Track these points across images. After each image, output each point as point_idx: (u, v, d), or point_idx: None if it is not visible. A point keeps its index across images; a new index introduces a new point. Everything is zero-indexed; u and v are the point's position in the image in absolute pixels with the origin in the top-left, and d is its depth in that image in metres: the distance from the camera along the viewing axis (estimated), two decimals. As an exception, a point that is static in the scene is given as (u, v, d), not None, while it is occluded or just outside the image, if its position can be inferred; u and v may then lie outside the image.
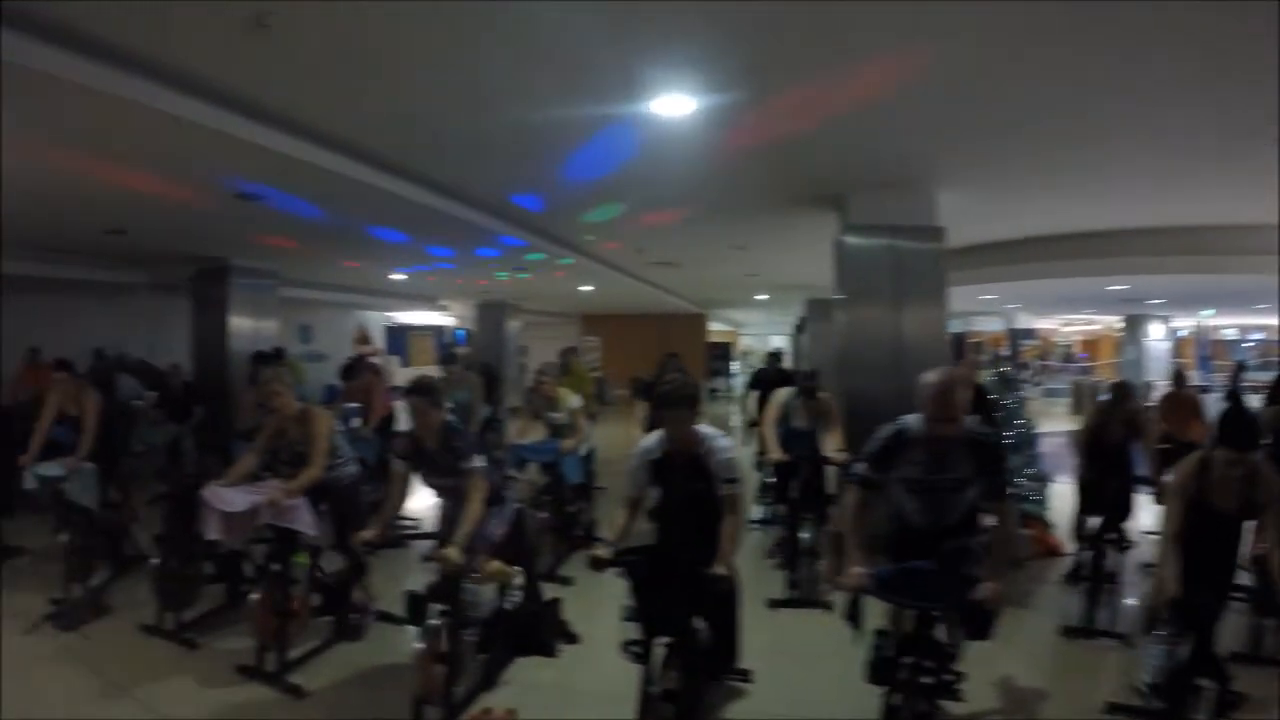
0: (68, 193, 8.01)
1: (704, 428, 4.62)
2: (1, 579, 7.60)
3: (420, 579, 5.37)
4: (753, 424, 11.73)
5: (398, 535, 5.33)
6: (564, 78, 5.41)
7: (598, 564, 4.40)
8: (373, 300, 20.55)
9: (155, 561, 6.51)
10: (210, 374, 13.04)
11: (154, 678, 5.72)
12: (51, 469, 7.12)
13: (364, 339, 22.67)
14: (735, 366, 39.57)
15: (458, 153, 7.24)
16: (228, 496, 5.57)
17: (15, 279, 12.13)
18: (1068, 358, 41.71)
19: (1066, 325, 38.72)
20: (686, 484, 4.60)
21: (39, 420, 7.54)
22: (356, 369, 10.35)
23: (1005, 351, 30.22)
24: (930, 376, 4.24)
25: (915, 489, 4.47)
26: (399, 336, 25.51)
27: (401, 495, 5.48)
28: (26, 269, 11.96)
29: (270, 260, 13.41)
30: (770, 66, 5.27)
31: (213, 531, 5.57)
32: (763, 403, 11.39)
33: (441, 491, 5.49)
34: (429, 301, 22.65)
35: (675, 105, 5.83)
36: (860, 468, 4.52)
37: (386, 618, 6.56)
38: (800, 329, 26.26)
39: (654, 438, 4.68)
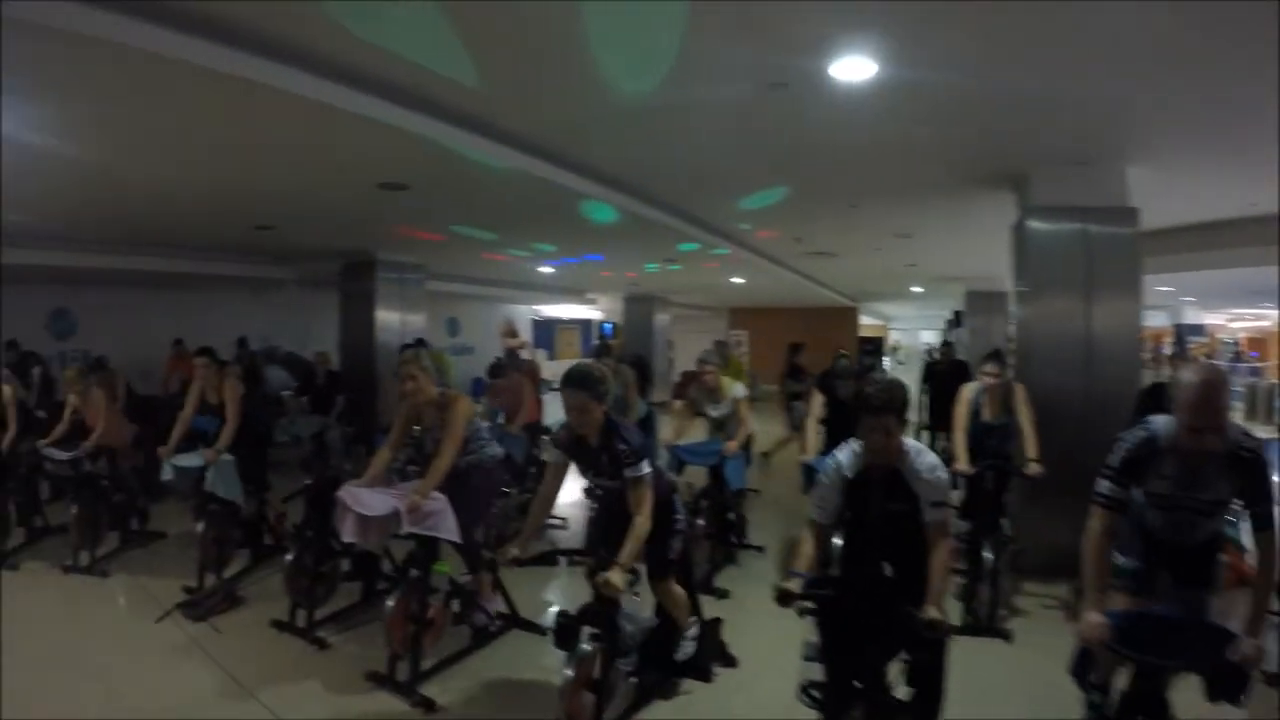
0: (219, 189, 8.05)
1: (908, 440, 3.88)
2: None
3: (564, 584, 4.88)
4: (925, 427, 11.04)
5: (549, 553, 4.69)
6: (732, 37, 4.74)
7: (785, 598, 3.66)
8: (519, 294, 20.42)
9: (290, 557, 6.22)
10: (357, 367, 13.13)
11: (280, 677, 5.44)
12: (190, 460, 7.01)
13: (511, 332, 22.44)
14: (887, 362, 38.19)
15: (609, 133, 6.72)
16: (365, 498, 5.13)
17: (164, 275, 12.64)
18: (1237, 356, 38.36)
19: (1233, 320, 35.48)
20: (886, 507, 3.87)
21: (184, 409, 7.48)
22: (506, 366, 9.88)
23: (1169, 350, 27.90)
24: (1191, 375, 3.41)
25: (1161, 506, 3.76)
26: (546, 330, 25.43)
27: (553, 492, 4.83)
28: (178, 266, 12.34)
29: (417, 254, 13.41)
30: (955, 25, 4.54)
31: (349, 534, 5.12)
32: (936, 401, 10.71)
33: (599, 495, 4.92)
34: (577, 295, 22.41)
35: (855, 69, 5.08)
36: (1105, 486, 3.67)
37: (525, 626, 6.14)
38: (956, 323, 24.90)
39: (847, 451, 3.98)
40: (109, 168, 7.05)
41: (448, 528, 5.20)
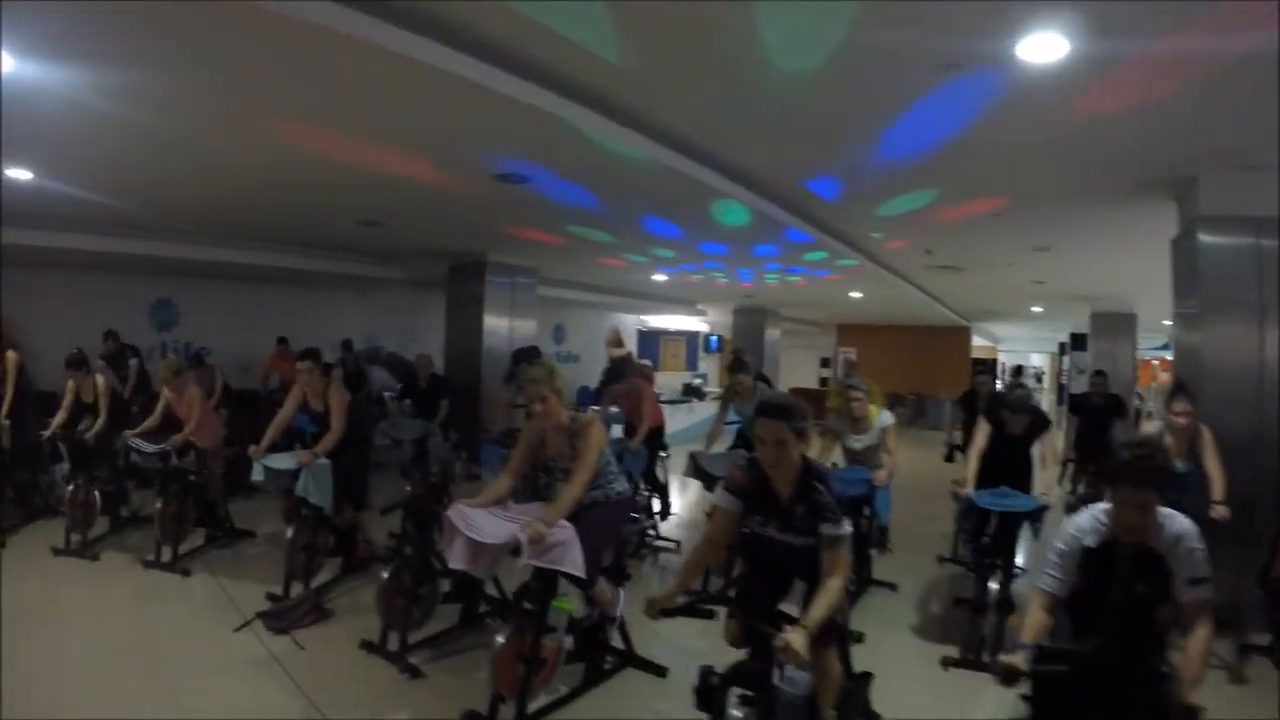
0: (324, 179, 7.64)
1: (1165, 510, 3.27)
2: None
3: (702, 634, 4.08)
4: (1069, 461, 9.97)
5: (700, 605, 3.86)
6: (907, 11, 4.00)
7: (1011, 675, 3.02)
8: (626, 302, 19.72)
9: (385, 574, 5.57)
10: (462, 372, 12.64)
11: (364, 705, 4.88)
12: (283, 461, 6.49)
13: (617, 341, 21.95)
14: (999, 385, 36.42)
15: (753, 127, 6.02)
16: (480, 522, 4.46)
17: (270, 270, 12.40)
18: None
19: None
20: (1134, 583, 3.28)
21: (281, 409, 7.04)
22: (623, 370, 9.16)
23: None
24: None
25: None
26: (651, 341, 24.75)
27: (721, 543, 4.07)
28: (285, 261, 12.09)
29: (528, 256, 12.86)
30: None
31: (457, 560, 4.42)
32: (1083, 438, 9.69)
33: (771, 550, 3.92)
34: (686, 305, 21.65)
35: (1044, 48, 4.31)
36: None
37: (642, 665, 5.40)
38: (1075, 345, 23.29)
39: (1088, 516, 3.43)
40: (217, 153, 6.71)
41: (573, 561, 4.42)
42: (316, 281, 14.33)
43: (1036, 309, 20.78)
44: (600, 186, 7.81)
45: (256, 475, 6.51)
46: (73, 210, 8.95)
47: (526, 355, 9.30)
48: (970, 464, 6.57)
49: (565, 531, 4.40)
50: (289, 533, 6.41)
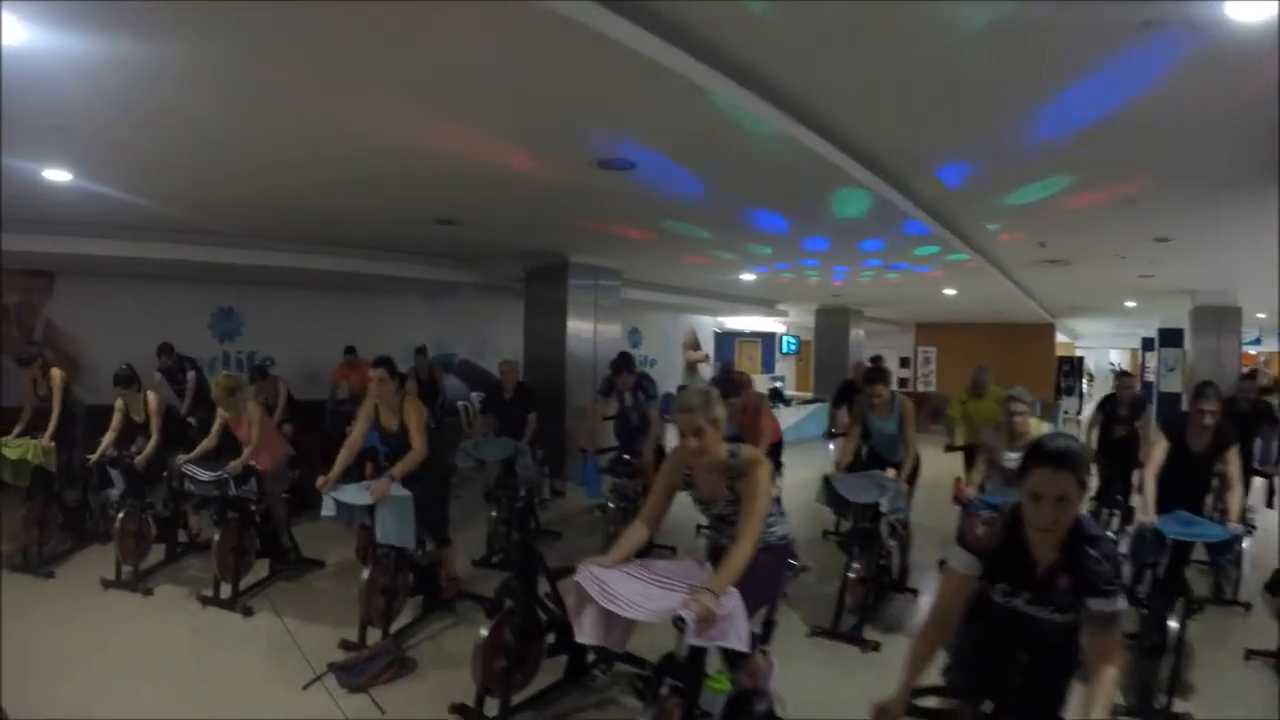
0: (401, 173, 7.00)
1: None
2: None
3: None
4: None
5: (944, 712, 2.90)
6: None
7: None
8: (702, 302, 18.68)
9: (485, 632, 4.61)
10: (545, 380, 11.72)
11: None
12: (356, 495, 5.65)
13: (693, 344, 21.11)
14: (1086, 385, 34.90)
15: (895, 90, 5.08)
16: (621, 589, 3.48)
17: (334, 276, 11.85)
18: None
19: None
20: None
21: (352, 428, 6.24)
22: (735, 382, 8.15)
23: None
24: None
25: None
26: (725, 342, 23.83)
27: (954, 612, 3.12)
28: (351, 266, 11.43)
29: (610, 257, 12.02)
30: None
31: (588, 634, 3.49)
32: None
33: (1018, 627, 3.05)
34: (765, 305, 20.60)
35: (1256, 7, 3.67)
36: None
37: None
38: (1166, 340, 21.63)
39: None
40: (280, 147, 6.18)
41: (737, 634, 3.40)
42: (383, 287, 13.76)
43: (1130, 304, 19.61)
44: (712, 173, 7.02)
45: (327, 510, 5.67)
46: (126, 216, 8.46)
47: (625, 363, 8.29)
48: (1146, 487, 5.62)
49: (731, 600, 3.39)
50: (364, 573, 5.56)
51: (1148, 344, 27.78)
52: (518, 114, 5.33)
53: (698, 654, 3.53)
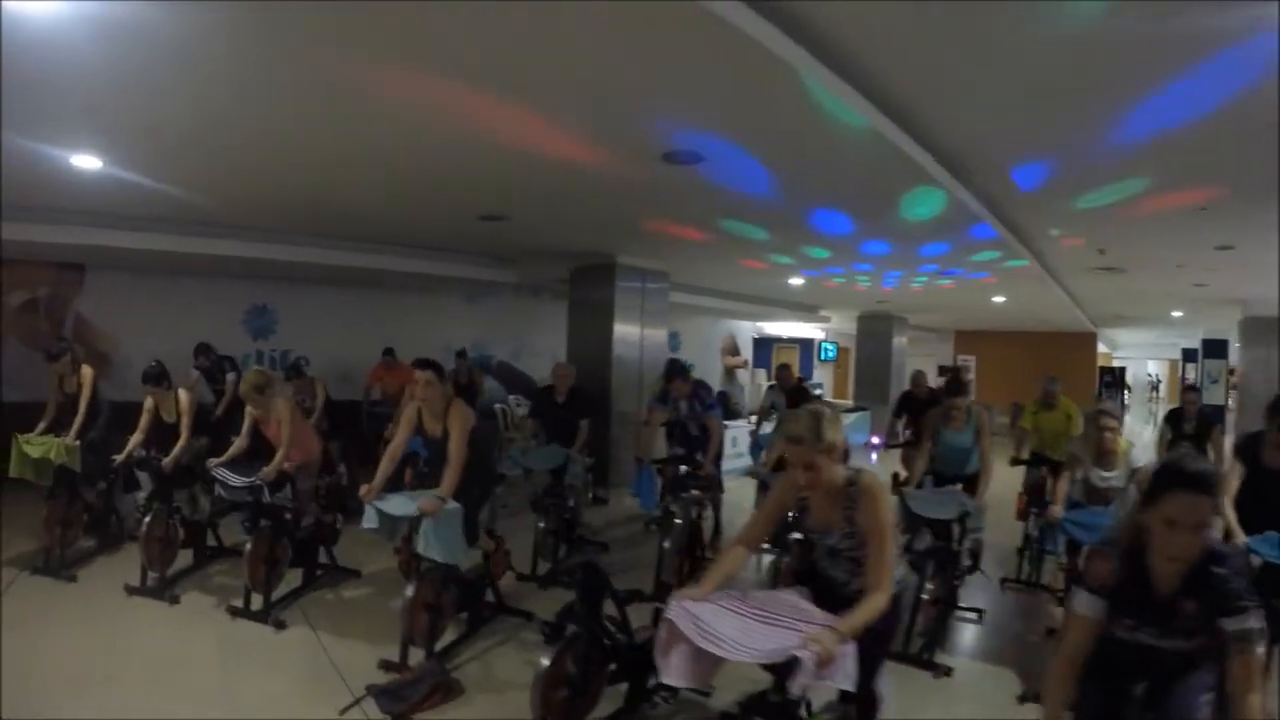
0: (449, 164, 6.61)
1: None
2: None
3: None
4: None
5: None
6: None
7: None
8: (741, 307, 18.12)
9: (546, 661, 4.16)
10: (590, 384, 11.02)
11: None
12: (402, 506, 5.19)
13: (733, 350, 20.65)
14: (1127, 396, 34.10)
15: (990, 82, 4.71)
16: (721, 628, 3.03)
17: (370, 273, 11.53)
18: None
19: None
20: None
21: (392, 433, 5.91)
22: (801, 390, 7.66)
23: None
24: None
25: None
26: (763, 348, 23.35)
27: (1080, 659, 2.82)
28: (389, 264, 11.07)
29: (657, 259, 11.58)
30: None
31: (676, 675, 3.06)
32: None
33: (1145, 662, 2.80)
34: (807, 311, 20.01)
35: None
36: None
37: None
38: (1210, 351, 20.85)
39: None
40: (318, 135, 5.84)
41: (846, 673, 2.93)
42: (421, 286, 13.44)
43: (1176, 313, 19.10)
44: (786, 167, 6.58)
45: (369, 522, 5.23)
46: (159, 208, 8.24)
47: (679, 370, 7.81)
48: (1227, 513, 5.16)
49: (847, 643, 2.94)
50: (408, 589, 5.11)
51: (1188, 355, 27.14)
52: (585, 100, 4.96)
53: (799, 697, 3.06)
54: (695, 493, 7.26)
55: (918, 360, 21.43)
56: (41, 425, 7.28)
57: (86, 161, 6.37)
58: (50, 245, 9.06)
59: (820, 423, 3.26)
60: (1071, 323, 20.90)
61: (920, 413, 8.63)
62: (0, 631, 5.32)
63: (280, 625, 5.84)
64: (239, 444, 6.58)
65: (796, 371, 23.80)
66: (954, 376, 7.44)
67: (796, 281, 14.30)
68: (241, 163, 6.59)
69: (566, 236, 9.98)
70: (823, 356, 26.62)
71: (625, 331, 11.50)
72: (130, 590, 6.41)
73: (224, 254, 9.61)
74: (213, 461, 6.45)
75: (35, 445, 7.04)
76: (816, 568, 3.53)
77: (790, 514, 3.97)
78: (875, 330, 20.90)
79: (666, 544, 6.54)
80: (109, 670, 5.00)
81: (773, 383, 10.19)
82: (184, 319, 11.51)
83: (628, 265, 11.41)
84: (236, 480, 6.25)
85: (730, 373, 20.88)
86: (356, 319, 13.47)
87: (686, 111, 5.16)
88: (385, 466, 5.42)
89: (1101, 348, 32.97)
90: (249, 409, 6.59)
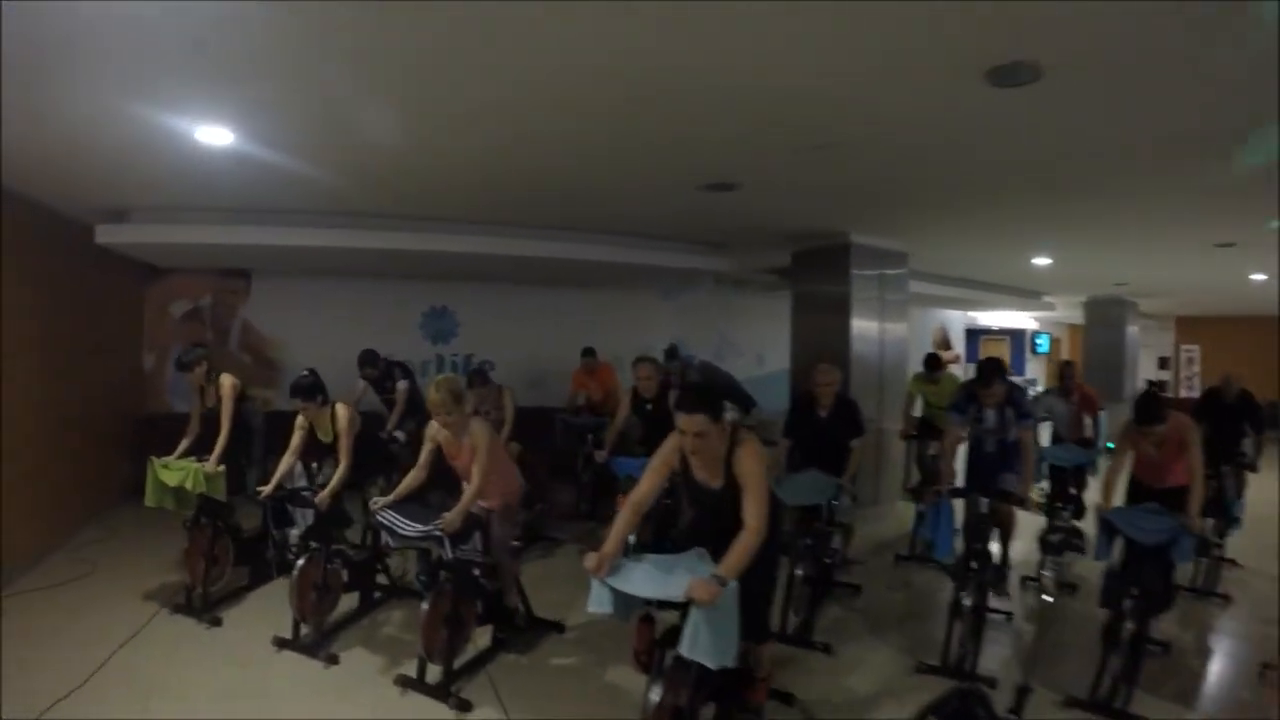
0: (681, 116, 4.92)
1: None
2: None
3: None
4: None
5: None
6: None
7: None
8: (951, 292, 15.53)
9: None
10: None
11: None
12: (655, 584, 3.38)
13: (944, 343, 18.44)
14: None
15: None
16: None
17: (557, 265, 9.90)
18: None
19: None
20: None
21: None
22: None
23: None
24: None
25: None
26: (973, 340, 21.01)
27: None
28: (583, 253, 9.38)
29: (895, 237, 9.55)
30: None
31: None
32: None
33: None
34: (1028, 297, 17.31)
35: None
36: None
37: None
38: None
39: None
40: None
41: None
42: (614, 281, 12.01)
43: None
44: (1171, 86, 4.42)
45: (599, 605, 3.42)
46: (317, 200, 7.20)
47: (998, 369, 5.83)
48: None
49: None
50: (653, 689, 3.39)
51: None
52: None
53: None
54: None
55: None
56: (183, 445, 6.16)
57: (217, 134, 5.11)
58: (208, 246, 8.18)
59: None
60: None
61: (1232, 422, 7.41)
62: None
63: (465, 706, 4.39)
64: (414, 475, 5.07)
65: (1008, 365, 21.46)
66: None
67: (1041, 261, 11.87)
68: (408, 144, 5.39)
69: (799, 207, 8.02)
70: (1036, 349, 23.87)
71: (863, 327, 9.45)
72: (280, 643, 5.16)
73: (395, 248, 8.38)
74: (378, 501, 4.95)
75: (173, 470, 5.87)
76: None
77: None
78: (1106, 317, 18.02)
79: (967, 598, 4.83)
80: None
81: (1051, 387, 8.19)
82: (358, 323, 10.55)
83: (864, 246, 9.41)
84: (410, 528, 4.73)
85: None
86: (543, 319, 12.12)
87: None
88: (623, 526, 3.67)
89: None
90: (430, 431, 5.07)
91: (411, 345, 11.18)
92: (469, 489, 4.77)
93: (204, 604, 5.74)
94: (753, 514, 3.48)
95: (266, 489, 5.57)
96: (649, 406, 6.86)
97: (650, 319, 12.98)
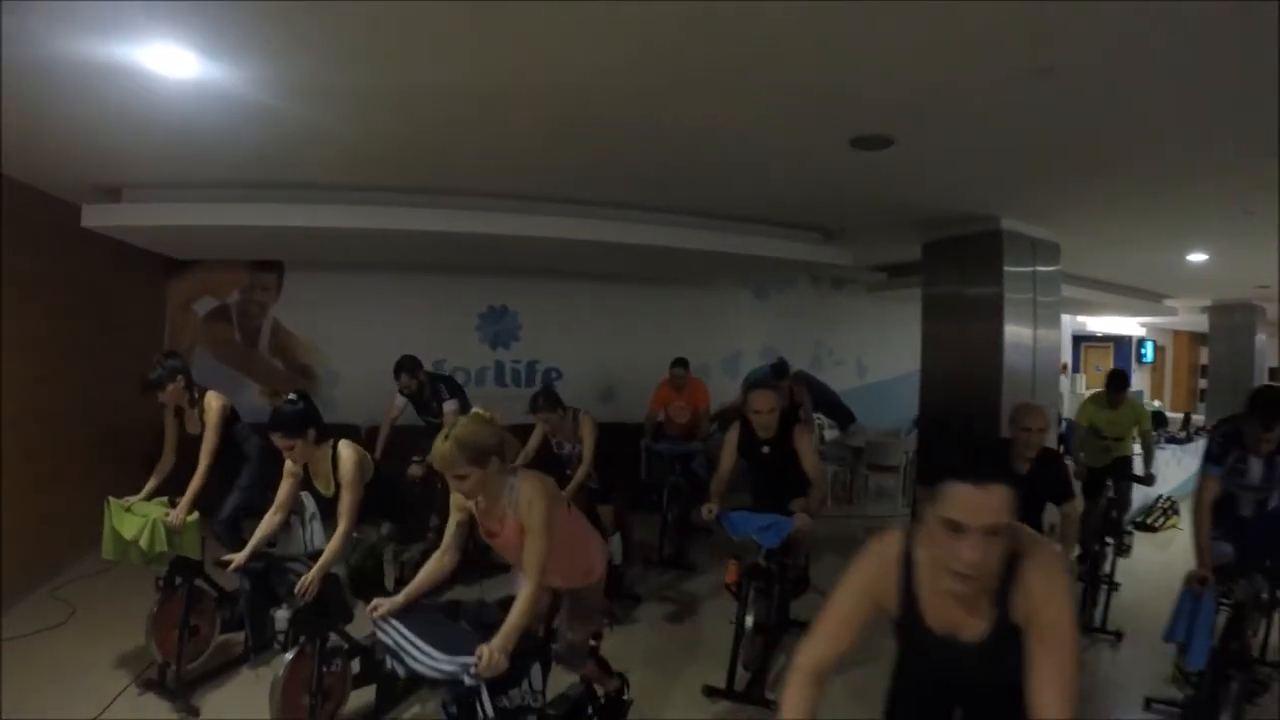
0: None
1: None
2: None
3: None
4: None
5: None
6: None
7: None
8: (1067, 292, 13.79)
9: None
10: (963, 408, 7.52)
11: None
12: None
13: (1053, 351, 16.69)
14: None
15: None
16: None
17: (644, 254, 8.17)
18: None
19: None
20: None
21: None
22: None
23: None
24: None
25: None
26: (1076, 347, 19.44)
27: None
28: (668, 238, 7.55)
29: (1050, 224, 7.59)
30: None
31: None
32: None
33: None
34: (1150, 300, 15.54)
35: None
36: None
37: None
38: None
39: None
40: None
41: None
42: (701, 279, 10.65)
43: None
44: None
45: None
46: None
47: (1270, 396, 4.09)
48: None
49: None
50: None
51: None
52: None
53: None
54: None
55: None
56: (151, 483, 4.81)
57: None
58: (224, 230, 6.72)
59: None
60: None
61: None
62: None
63: None
64: (437, 563, 3.34)
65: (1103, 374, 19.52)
66: None
67: (1197, 258, 9.88)
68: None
69: (941, 182, 6.24)
70: (1141, 358, 21.87)
71: (1016, 334, 7.46)
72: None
73: (451, 230, 6.74)
74: (381, 606, 3.16)
75: (135, 517, 4.47)
76: None
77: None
78: (1233, 324, 15.97)
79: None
80: None
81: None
82: (406, 324, 9.30)
83: (1016, 234, 7.49)
84: (426, 658, 2.94)
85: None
86: (616, 320, 10.68)
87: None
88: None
89: None
90: (458, 499, 3.29)
91: (468, 349, 9.98)
92: (521, 598, 3.00)
93: (178, 685, 4.33)
94: None
95: (238, 558, 4.06)
96: (765, 450, 4.95)
97: (736, 321, 11.52)
